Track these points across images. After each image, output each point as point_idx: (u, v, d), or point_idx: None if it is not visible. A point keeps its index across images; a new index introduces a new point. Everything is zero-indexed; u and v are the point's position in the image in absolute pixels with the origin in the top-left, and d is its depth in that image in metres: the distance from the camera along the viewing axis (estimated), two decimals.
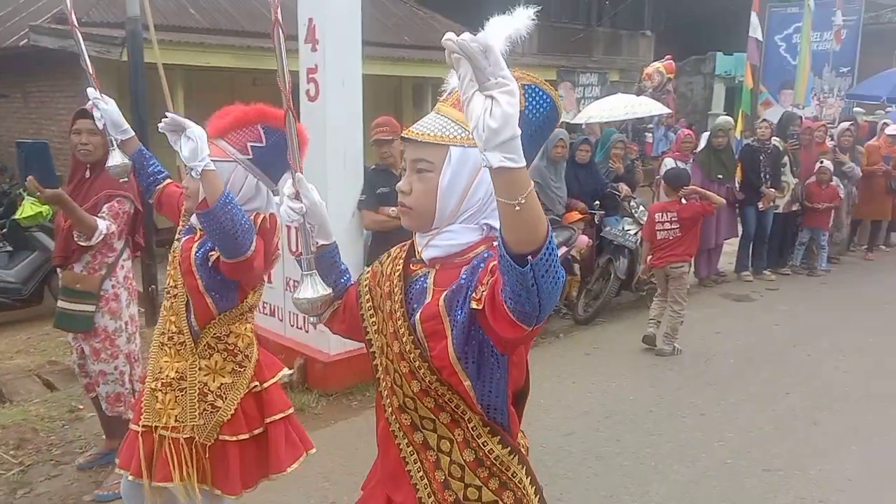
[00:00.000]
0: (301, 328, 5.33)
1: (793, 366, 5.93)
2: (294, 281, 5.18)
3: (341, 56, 4.97)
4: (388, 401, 1.72)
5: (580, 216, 7.04)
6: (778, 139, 8.77)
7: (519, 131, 1.16)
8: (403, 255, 1.72)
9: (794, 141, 8.91)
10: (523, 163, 1.18)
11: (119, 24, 8.43)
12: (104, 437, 4.07)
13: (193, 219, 2.60)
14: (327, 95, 4.88)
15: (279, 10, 1.68)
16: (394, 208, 5.14)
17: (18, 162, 3.58)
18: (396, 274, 1.69)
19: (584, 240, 6.89)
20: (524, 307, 1.29)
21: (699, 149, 8.67)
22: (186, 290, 2.60)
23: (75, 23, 3.07)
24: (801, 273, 9.05)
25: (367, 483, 1.91)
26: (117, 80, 9.08)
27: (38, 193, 3.33)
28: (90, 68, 2.97)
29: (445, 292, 1.54)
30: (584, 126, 11.39)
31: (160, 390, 2.65)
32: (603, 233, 7.21)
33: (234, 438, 2.63)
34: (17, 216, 6.86)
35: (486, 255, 1.54)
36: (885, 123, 10.72)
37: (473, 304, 1.45)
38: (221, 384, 2.64)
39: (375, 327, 1.78)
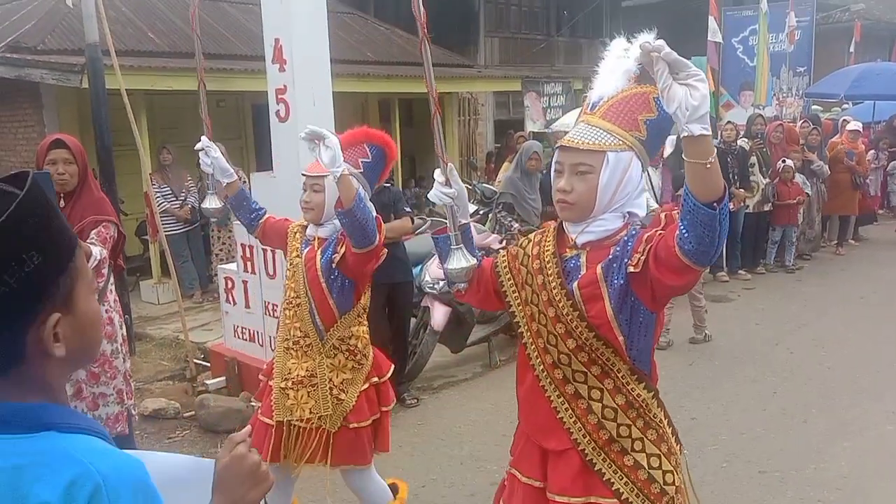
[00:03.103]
0: None
1: (777, 364, 5.95)
2: (273, 305, 5.08)
3: (311, 75, 4.90)
4: (539, 360, 2.02)
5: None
6: (745, 140, 8.86)
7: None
8: (550, 239, 2.03)
9: (759, 140, 9.02)
10: (711, 131, 1.56)
11: (76, 50, 8.23)
12: None
13: (310, 230, 3.05)
14: (299, 115, 4.80)
15: (425, 28, 2.09)
16: None
17: None
18: (548, 253, 2.00)
19: None
20: (706, 247, 1.63)
21: (667, 153, 8.70)
22: (311, 296, 2.97)
23: (203, 67, 3.65)
24: (776, 271, 9.13)
25: (514, 447, 2.20)
26: (77, 107, 8.86)
27: None
28: (206, 117, 3.35)
29: (601, 263, 1.89)
30: (550, 134, 11.37)
31: (291, 388, 3.02)
32: None
33: (360, 425, 3.03)
34: None
35: (632, 232, 1.89)
36: (845, 120, 10.90)
37: (630, 269, 1.81)
38: (343, 380, 3.03)
39: (519, 300, 2.08)
